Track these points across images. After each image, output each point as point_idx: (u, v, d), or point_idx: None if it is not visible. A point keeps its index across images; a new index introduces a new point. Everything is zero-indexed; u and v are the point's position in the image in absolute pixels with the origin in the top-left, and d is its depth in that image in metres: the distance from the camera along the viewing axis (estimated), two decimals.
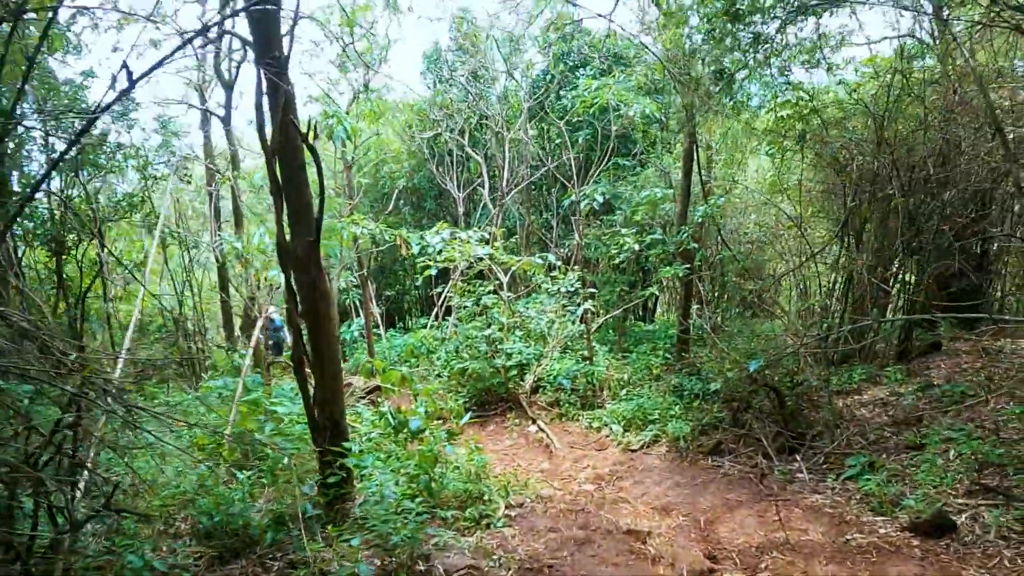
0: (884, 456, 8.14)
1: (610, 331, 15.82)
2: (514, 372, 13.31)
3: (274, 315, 17.58)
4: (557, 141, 17.25)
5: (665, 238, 12.44)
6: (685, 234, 11.47)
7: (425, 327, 18.80)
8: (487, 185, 18.37)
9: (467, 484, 8.52)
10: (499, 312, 13.20)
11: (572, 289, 12.85)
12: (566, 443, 11.10)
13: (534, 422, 12.05)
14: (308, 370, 7.94)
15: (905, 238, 10.44)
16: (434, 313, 16.06)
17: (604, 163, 16.34)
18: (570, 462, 10.28)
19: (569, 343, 14.40)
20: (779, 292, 16.81)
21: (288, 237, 7.56)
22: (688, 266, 11.57)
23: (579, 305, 12.76)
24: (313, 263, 7.84)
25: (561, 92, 17.85)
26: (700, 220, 11.77)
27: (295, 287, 7.77)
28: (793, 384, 9.50)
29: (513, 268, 13.48)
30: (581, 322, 12.86)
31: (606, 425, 11.20)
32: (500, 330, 13.25)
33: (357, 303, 21.45)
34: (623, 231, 12.89)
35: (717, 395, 10.23)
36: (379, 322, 20.62)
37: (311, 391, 8.01)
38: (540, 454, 11.00)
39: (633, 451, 10.19)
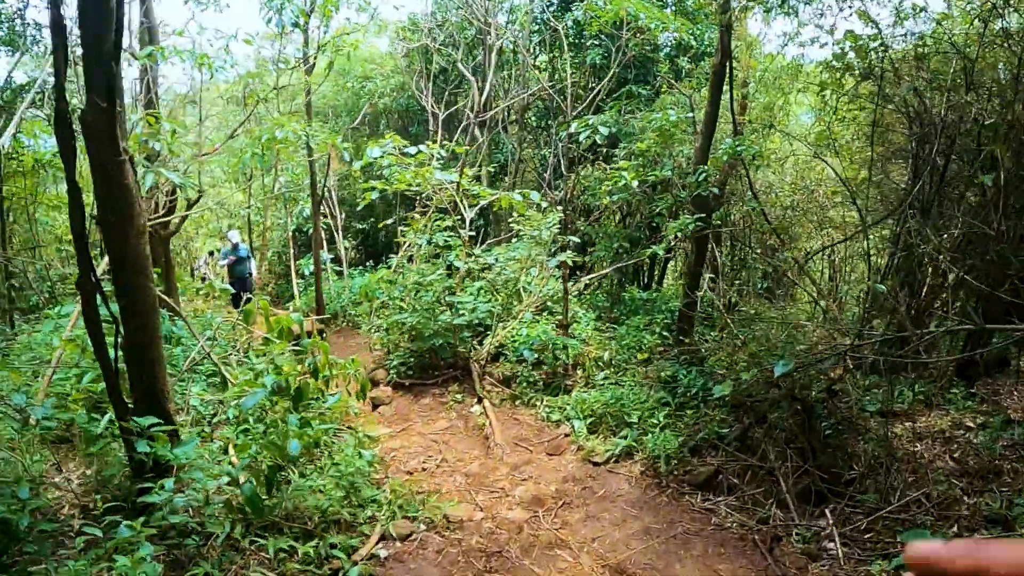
0: (955, 529, 5.32)
1: (601, 296, 12.88)
2: (467, 333, 10.46)
3: (235, 237, 14.55)
4: (565, 65, 14.11)
5: (675, 175, 9.39)
6: (703, 174, 8.46)
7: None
8: (476, 110, 15.29)
9: (332, 497, 5.74)
10: (456, 256, 10.30)
11: (550, 234, 9.89)
12: (511, 437, 8.28)
13: (480, 402, 9.24)
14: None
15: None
16: (400, 253, 13.12)
17: (616, 93, 13.27)
18: (508, 467, 7.48)
19: (551, 304, 11.53)
20: (803, 275, 13.81)
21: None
22: (702, 218, 8.57)
23: (554, 255, 9.80)
24: (107, 137, 5.09)
25: (573, 4, 14.59)
26: (726, 160, 8.71)
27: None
28: (828, 397, 6.61)
29: (484, 202, 10.55)
30: (567, 278, 9.94)
31: (568, 420, 8.36)
32: (450, 278, 10.37)
33: (323, 232, 18.62)
34: (621, 163, 9.87)
35: (722, 401, 7.33)
36: (342, 259, 17.77)
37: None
38: (476, 447, 8.22)
39: (596, 464, 7.34)
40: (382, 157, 9.36)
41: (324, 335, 13.82)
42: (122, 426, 5.47)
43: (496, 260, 10.34)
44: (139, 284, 5.54)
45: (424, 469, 7.67)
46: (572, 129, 9.84)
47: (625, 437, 7.49)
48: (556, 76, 15.23)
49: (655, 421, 7.61)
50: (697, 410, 7.70)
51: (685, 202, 9.50)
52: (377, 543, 5.49)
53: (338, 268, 17.74)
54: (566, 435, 8.09)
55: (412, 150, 9.32)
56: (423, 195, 11.42)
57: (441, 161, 10.24)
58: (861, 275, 13.50)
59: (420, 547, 5.61)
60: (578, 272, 12.96)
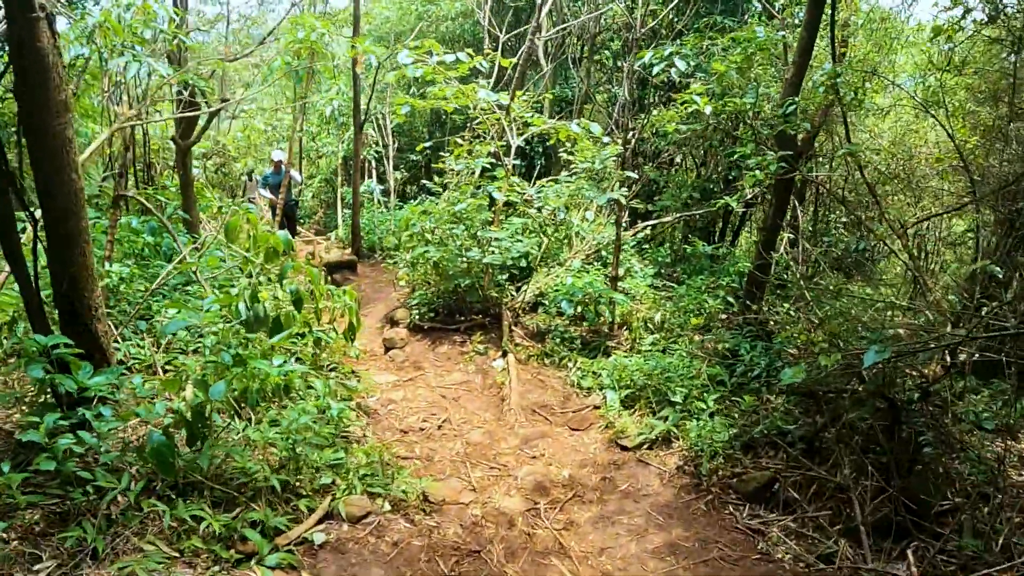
0: None
1: (664, 250, 11.37)
2: (503, 276, 9.15)
3: (279, 156, 13.29)
4: None
5: (759, 107, 7.72)
6: (791, 106, 6.86)
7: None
8: (536, 24, 13.66)
9: (271, 457, 4.54)
10: (498, 187, 8.93)
11: (605, 167, 8.39)
12: (531, 402, 6.99)
13: (505, 356, 7.96)
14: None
15: None
16: (439, 180, 11.71)
17: (698, 22, 11.61)
18: (519, 440, 6.21)
19: (606, 254, 10.14)
20: (904, 248, 12.06)
21: None
22: (787, 158, 6.99)
23: (605, 191, 8.31)
24: None
25: None
26: (823, 90, 7.06)
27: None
28: (922, 400, 5.13)
29: (536, 130, 9.11)
30: (621, 223, 8.47)
31: (601, 389, 7.01)
32: (486, 210, 9.03)
33: (373, 162, 17.35)
34: (694, 87, 8.25)
35: (790, 388, 5.87)
36: (391, 189, 16.53)
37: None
38: (488, 409, 6.98)
39: (624, 448, 6.00)
40: (415, 65, 8.00)
41: (356, 268, 12.69)
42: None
43: (542, 194, 8.93)
44: (56, 173, 4.38)
45: (422, 430, 6.48)
46: (646, 60, 8.31)
47: (665, 419, 6.12)
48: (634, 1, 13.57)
49: (704, 404, 6.19)
50: (757, 396, 6.26)
51: (767, 141, 7.93)
52: (317, 524, 4.27)
53: (387, 200, 16.55)
54: (595, 407, 6.76)
55: (450, 58, 7.93)
56: (472, 121, 10.08)
57: (487, 81, 8.83)
58: (950, 260, 11.79)
59: (374, 534, 4.37)
60: (640, 221, 11.48)
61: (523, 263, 9.15)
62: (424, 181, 12.92)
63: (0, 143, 4.25)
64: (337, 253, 12.97)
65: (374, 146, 16.88)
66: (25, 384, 5.20)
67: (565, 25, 13.43)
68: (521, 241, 8.97)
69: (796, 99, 7.05)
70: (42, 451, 3.87)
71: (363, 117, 12.87)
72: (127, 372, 5.64)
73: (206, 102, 10.09)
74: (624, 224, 9.03)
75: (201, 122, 10.37)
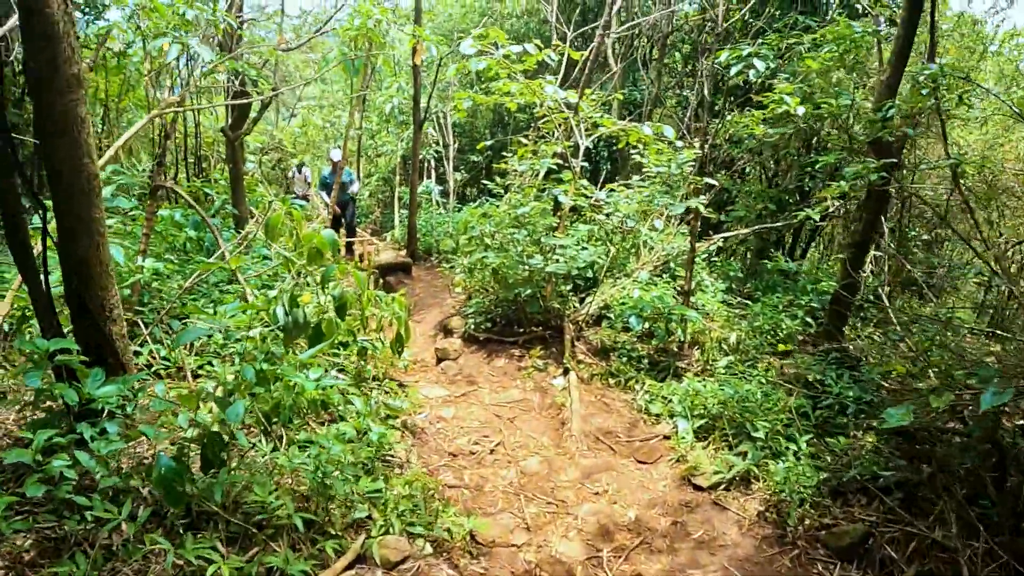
0: None
1: (735, 264, 10.60)
2: (566, 287, 8.51)
3: (337, 156, 12.75)
4: None
5: (852, 104, 6.89)
6: (890, 109, 6.10)
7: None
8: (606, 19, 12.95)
9: (289, 487, 3.97)
10: (564, 191, 8.29)
11: (682, 172, 7.68)
12: (594, 428, 6.34)
13: (566, 374, 7.32)
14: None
15: None
16: (501, 182, 11.03)
17: (776, 21, 10.84)
18: (580, 471, 5.56)
19: (674, 266, 9.46)
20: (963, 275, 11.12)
21: None
22: (886, 167, 6.22)
23: (681, 200, 7.60)
24: None
25: None
26: (925, 92, 6.25)
27: None
28: None
29: (605, 131, 8.45)
30: (684, 223, 7.77)
31: (671, 416, 6.32)
32: (550, 215, 8.40)
33: (433, 162, 16.83)
34: (782, 86, 7.47)
35: (889, 433, 5.11)
36: (450, 190, 15.99)
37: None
38: (546, 432, 6.35)
39: (698, 487, 5.31)
40: (478, 57, 7.42)
41: (411, 270, 12.17)
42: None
43: (612, 199, 8.26)
44: (65, 155, 3.88)
45: (472, 453, 5.88)
46: (723, 59, 7.62)
47: (744, 455, 5.42)
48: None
49: (787, 441, 5.46)
50: (849, 435, 5.51)
51: (861, 148, 7.17)
52: (347, 569, 3.67)
53: (446, 201, 16.03)
54: (665, 437, 6.07)
55: (516, 49, 7.32)
56: (537, 120, 9.47)
57: (555, 78, 8.21)
58: None
59: None
60: (711, 232, 10.74)
61: (588, 273, 8.50)
62: (485, 182, 12.34)
63: (3, 116, 3.76)
64: (391, 254, 12.48)
65: (434, 146, 16.38)
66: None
67: (635, 23, 12.72)
68: (587, 249, 8.33)
69: (895, 102, 6.28)
70: (34, 472, 3.37)
71: (423, 115, 12.36)
72: (151, 378, 5.15)
73: (257, 92, 9.68)
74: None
75: (253, 113, 9.97)
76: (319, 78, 22.57)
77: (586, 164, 9.11)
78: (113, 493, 3.60)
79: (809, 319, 8.23)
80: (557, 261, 7.95)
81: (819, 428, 5.76)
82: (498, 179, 9.70)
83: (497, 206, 9.35)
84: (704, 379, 6.82)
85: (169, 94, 7.29)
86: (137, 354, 5.73)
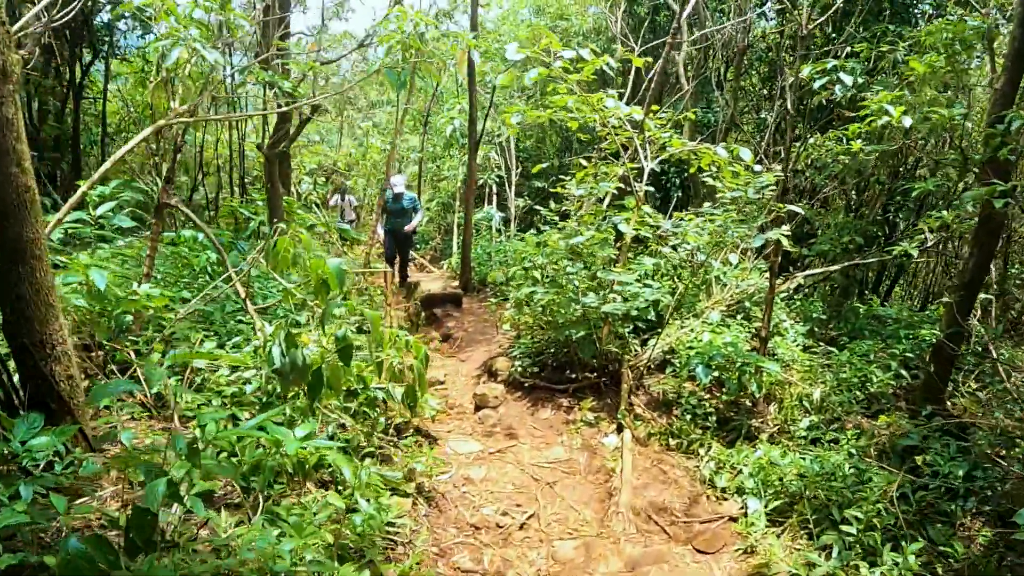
0: None
1: (817, 304, 9.41)
2: (625, 327, 7.52)
3: (399, 183, 11.88)
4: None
5: (967, 113, 5.78)
6: (1014, 122, 4.99)
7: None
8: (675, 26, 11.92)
9: None
10: (625, 218, 7.31)
11: (759, 197, 6.60)
12: (646, 502, 5.33)
13: (620, 431, 6.34)
14: None
15: None
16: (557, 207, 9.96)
17: (864, 31, 9.72)
18: (623, 561, 4.57)
19: (749, 305, 8.41)
20: None
21: None
22: (1007, 192, 5.09)
23: (760, 231, 6.54)
24: None
25: None
26: None
27: None
28: None
29: (673, 151, 7.46)
30: (762, 258, 6.70)
31: (741, 493, 5.27)
32: (610, 246, 7.44)
33: (494, 187, 16.01)
34: (881, 94, 6.36)
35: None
36: (511, 217, 15.15)
37: None
38: (590, 504, 5.39)
39: None
40: (528, 62, 6.56)
41: (461, 302, 11.32)
42: None
43: (680, 229, 7.20)
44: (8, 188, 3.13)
45: (499, 527, 4.95)
46: (804, 73, 6.61)
47: (829, 551, 4.34)
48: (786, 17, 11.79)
49: (885, 533, 4.37)
50: (953, 519, 4.41)
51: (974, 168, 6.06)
52: None
53: (507, 229, 15.18)
54: (732, 519, 5.03)
55: (569, 54, 6.40)
56: (598, 140, 8.54)
57: (621, 91, 7.28)
58: None
59: None
60: (791, 268, 9.63)
61: (650, 314, 7.49)
62: (539, 208, 11.44)
63: None
64: (440, 284, 11.64)
65: (496, 170, 15.59)
66: None
67: (707, 33, 11.70)
68: (650, 286, 7.31)
69: (1018, 111, 5.18)
70: None
71: (479, 135, 11.57)
72: (120, 424, 4.37)
73: (289, 102, 8.98)
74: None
75: (290, 126, 9.30)
76: (379, 102, 22.19)
77: (652, 189, 8.13)
78: None
79: (905, 371, 7.09)
80: (615, 300, 6.97)
81: (922, 512, 4.67)
82: (554, 205, 8.78)
83: (552, 235, 8.43)
84: (781, 443, 5.76)
85: (178, 103, 6.57)
86: (130, 393, 5.01)
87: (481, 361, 8.66)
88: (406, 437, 5.81)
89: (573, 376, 7.45)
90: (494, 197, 16.01)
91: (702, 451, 5.98)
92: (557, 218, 8.52)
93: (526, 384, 7.44)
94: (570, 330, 7.14)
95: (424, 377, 5.30)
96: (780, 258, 7.05)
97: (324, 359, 4.47)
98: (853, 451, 5.40)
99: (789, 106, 6.86)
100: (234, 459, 3.87)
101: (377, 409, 5.53)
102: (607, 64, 6.49)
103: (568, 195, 8.11)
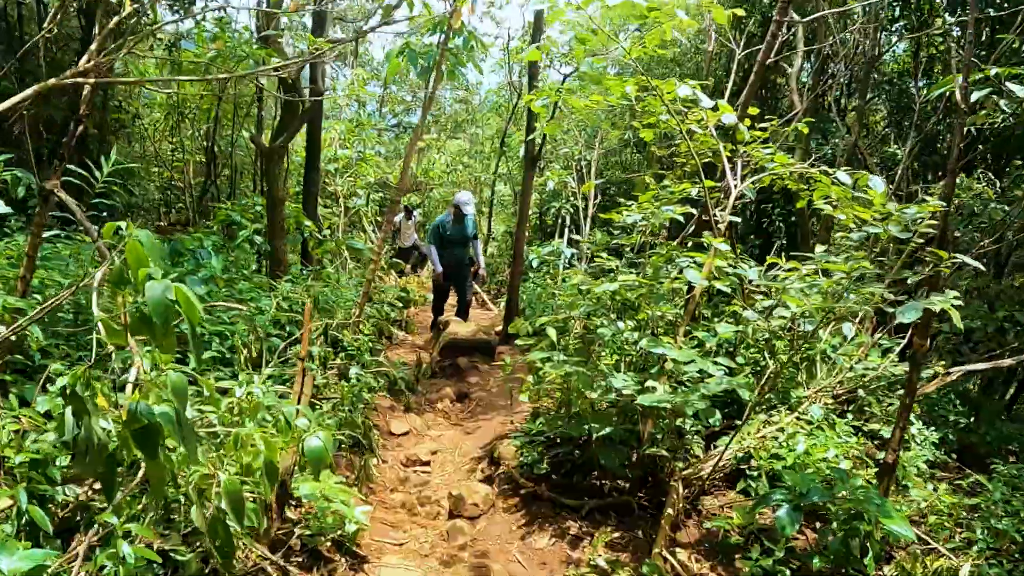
0: None
1: (954, 404, 6.69)
2: (684, 421, 5.08)
3: (465, 201, 9.49)
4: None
5: None
6: None
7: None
8: (797, 64, 9.31)
9: None
10: (699, 261, 4.91)
11: (911, 233, 4.08)
12: None
13: None
14: None
15: None
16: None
17: None
18: None
19: (863, 395, 5.93)
20: None
21: None
22: None
23: (910, 295, 4.00)
24: None
25: None
26: None
27: None
28: None
29: (772, 169, 5.06)
30: (922, 353, 4.18)
31: None
32: (669, 303, 5.02)
33: (567, 217, 13.64)
34: None
35: None
36: (583, 254, 12.79)
37: None
38: None
39: None
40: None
41: (493, 353, 9.05)
42: None
43: (779, 284, 4.67)
44: None
45: None
46: (959, 83, 4.10)
47: None
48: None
49: None
50: None
51: None
52: None
53: (578, 265, 12.86)
54: None
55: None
56: (670, 151, 6.26)
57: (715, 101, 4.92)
58: None
59: None
60: (938, 355, 7.02)
61: (715, 416, 4.99)
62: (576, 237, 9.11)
63: None
64: (472, 329, 9.31)
65: (571, 199, 13.28)
66: None
67: (825, 44, 9.19)
68: (724, 366, 4.79)
69: None
70: None
71: (538, 149, 9.34)
72: None
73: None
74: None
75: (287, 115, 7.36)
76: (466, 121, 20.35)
77: (739, 220, 5.73)
78: None
79: None
80: (668, 385, 4.57)
81: None
82: (599, 236, 6.40)
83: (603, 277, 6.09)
84: None
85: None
86: None
87: (489, 439, 6.39)
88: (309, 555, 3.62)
89: (596, 485, 5.09)
90: (566, 229, 13.67)
91: None
92: (603, 254, 6.13)
93: (526, 489, 5.10)
94: (596, 424, 4.72)
95: (267, 489, 3.05)
96: (929, 341, 4.54)
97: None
98: None
99: (966, 106, 4.34)
100: None
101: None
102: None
103: (621, 222, 5.71)
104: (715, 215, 5.05)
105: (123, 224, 3.18)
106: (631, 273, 4.89)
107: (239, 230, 8.11)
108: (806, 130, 6.93)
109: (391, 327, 9.71)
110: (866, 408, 6.03)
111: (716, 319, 5.93)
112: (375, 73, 18.00)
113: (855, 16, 10.13)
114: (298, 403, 3.88)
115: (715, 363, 4.66)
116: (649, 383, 4.49)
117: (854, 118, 9.83)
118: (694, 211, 5.15)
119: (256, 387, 3.91)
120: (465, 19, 6.70)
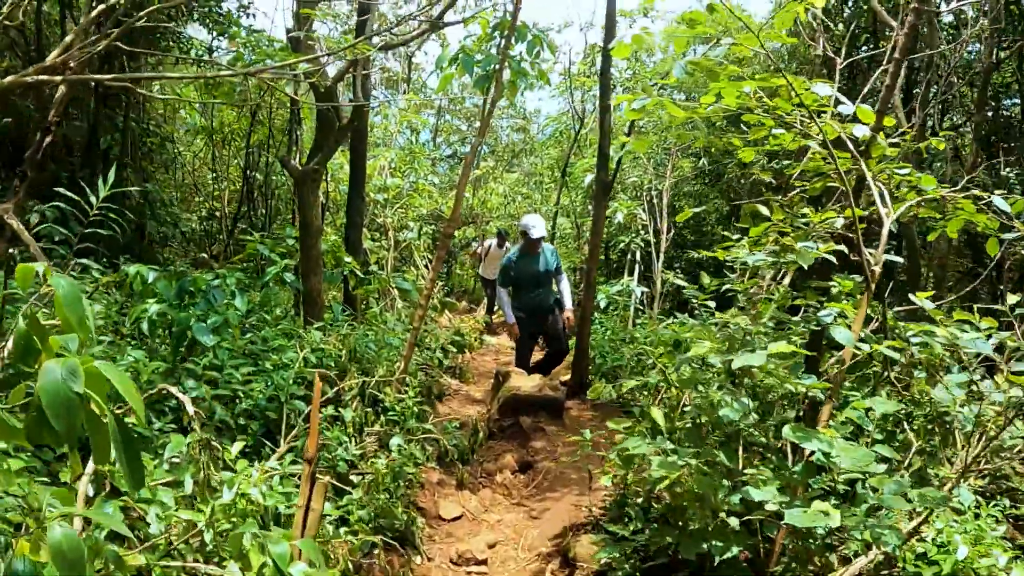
0: None
1: None
2: (812, 543, 3.75)
3: (533, 226, 8.13)
4: None
5: None
6: None
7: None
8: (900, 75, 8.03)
9: None
10: (846, 314, 3.64)
11: None
12: None
13: None
14: None
15: None
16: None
17: None
18: None
19: (1016, 467, 4.56)
20: None
21: None
22: None
23: None
24: None
25: None
26: None
27: None
28: None
29: (914, 200, 3.79)
30: None
31: None
32: (804, 375, 3.69)
33: (638, 252, 12.35)
34: None
35: None
36: (656, 294, 11.52)
37: None
38: None
39: None
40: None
41: (562, 411, 7.73)
42: None
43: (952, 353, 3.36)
44: None
45: None
46: None
47: None
48: None
49: None
50: None
51: None
52: None
53: (650, 309, 11.59)
54: None
55: None
56: (786, 173, 5.03)
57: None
58: None
59: None
60: None
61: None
62: (679, 283, 7.80)
63: None
64: (537, 382, 7.99)
65: (642, 232, 12.01)
66: None
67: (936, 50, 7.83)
68: (883, 459, 3.46)
69: None
70: None
71: (612, 175, 8.12)
72: None
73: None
74: None
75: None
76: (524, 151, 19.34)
77: (891, 257, 4.44)
78: None
79: None
80: (821, 497, 3.28)
81: None
82: (706, 280, 5.10)
83: (703, 332, 4.81)
84: None
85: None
86: None
87: (562, 525, 5.12)
88: None
89: None
90: (636, 267, 12.39)
91: None
92: (712, 303, 4.83)
93: None
94: (714, 543, 3.42)
95: None
96: None
97: None
98: None
99: None
100: None
101: None
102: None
103: (731, 261, 4.45)
104: (866, 256, 3.75)
105: (40, 266, 2.04)
106: (781, 341, 3.54)
107: (268, 266, 7.07)
108: (942, 146, 5.59)
109: (442, 377, 8.50)
110: (1005, 482, 4.65)
111: (867, 391, 4.60)
112: (428, 100, 17.10)
113: (966, 19, 8.90)
114: (303, 528, 2.68)
115: (880, 458, 3.36)
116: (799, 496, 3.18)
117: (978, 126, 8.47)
118: (844, 248, 3.86)
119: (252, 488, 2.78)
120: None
